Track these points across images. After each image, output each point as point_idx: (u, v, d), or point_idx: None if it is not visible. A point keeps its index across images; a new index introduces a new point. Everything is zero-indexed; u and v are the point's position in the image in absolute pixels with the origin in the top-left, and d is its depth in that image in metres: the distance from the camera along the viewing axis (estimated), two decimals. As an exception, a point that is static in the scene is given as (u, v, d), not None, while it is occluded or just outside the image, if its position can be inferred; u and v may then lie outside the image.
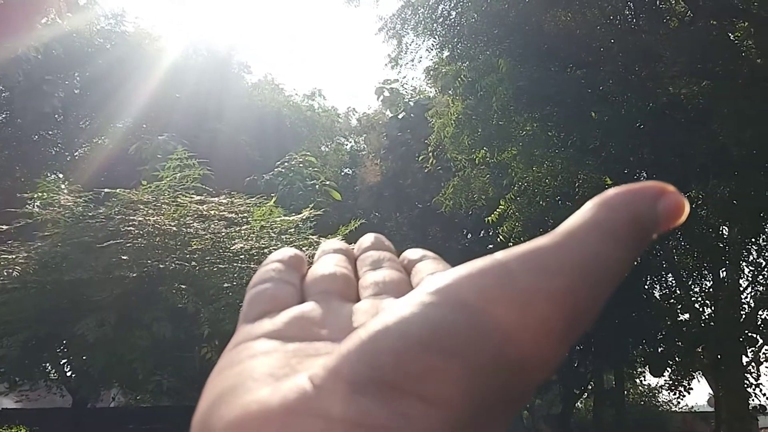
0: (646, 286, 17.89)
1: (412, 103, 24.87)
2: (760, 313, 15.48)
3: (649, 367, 19.22)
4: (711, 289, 16.88)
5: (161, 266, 8.92)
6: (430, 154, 18.00)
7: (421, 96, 24.90)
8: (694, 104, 12.89)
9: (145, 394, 17.47)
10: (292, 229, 10.72)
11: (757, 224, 13.60)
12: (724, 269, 16.17)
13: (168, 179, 10.52)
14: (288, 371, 0.25)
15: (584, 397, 23.58)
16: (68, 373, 12.53)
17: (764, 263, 15.90)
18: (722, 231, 15.51)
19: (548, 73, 12.09)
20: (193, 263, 9.42)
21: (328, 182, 17.46)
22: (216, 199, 10.54)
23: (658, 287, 18.53)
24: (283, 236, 10.39)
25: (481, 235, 21.36)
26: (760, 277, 15.96)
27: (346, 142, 30.30)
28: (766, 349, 15.86)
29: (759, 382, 15.85)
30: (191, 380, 10.63)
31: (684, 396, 19.52)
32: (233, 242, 9.68)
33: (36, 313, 8.70)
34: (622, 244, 0.25)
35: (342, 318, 0.30)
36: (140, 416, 18.90)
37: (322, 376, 0.23)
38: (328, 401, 0.22)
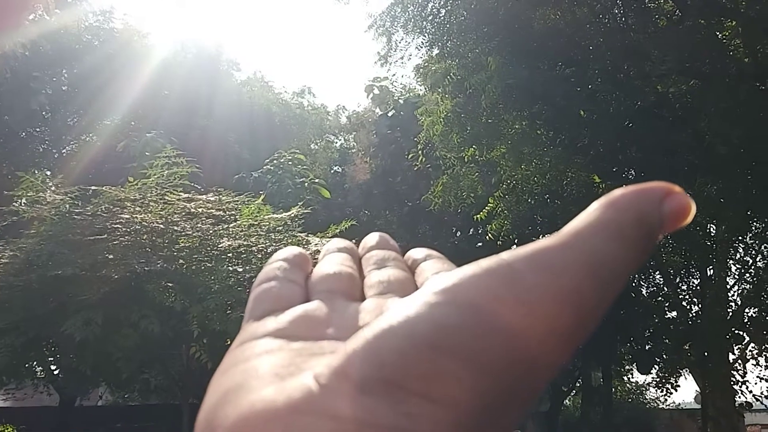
0: (634, 284, 17.97)
1: (401, 101, 24.87)
2: (746, 310, 15.59)
3: (636, 365, 19.37)
4: (698, 287, 16.98)
5: (148, 266, 8.86)
6: (420, 152, 18.01)
7: (411, 94, 24.89)
8: (681, 103, 12.94)
9: (133, 392, 17.43)
10: (281, 227, 10.69)
11: (744, 222, 13.66)
12: (711, 267, 16.26)
13: (155, 177, 10.47)
14: (293, 370, 0.25)
15: (572, 394, 23.70)
16: (55, 372, 12.47)
17: (751, 261, 15.98)
18: (709, 229, 15.59)
19: (537, 72, 12.11)
20: (181, 261, 9.38)
21: (317, 180, 17.45)
22: (204, 196, 10.50)
23: (646, 285, 18.65)
24: (271, 234, 10.36)
25: (471, 233, 21.38)
26: (747, 275, 16.03)
27: (335, 140, 30.28)
28: (752, 347, 15.95)
29: (745, 379, 15.95)
30: (179, 378, 10.61)
31: (671, 393, 19.62)
32: (221, 240, 9.65)
33: (23, 314, 8.63)
34: (629, 245, 0.25)
35: (347, 317, 0.30)
36: (128, 414, 18.85)
37: (328, 375, 0.23)
38: (333, 401, 0.22)
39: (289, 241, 10.01)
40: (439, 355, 0.22)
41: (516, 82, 11.85)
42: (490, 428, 0.22)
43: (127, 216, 9.39)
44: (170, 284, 8.84)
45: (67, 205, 9.73)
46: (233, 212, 10.50)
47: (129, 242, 9.17)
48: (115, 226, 9.21)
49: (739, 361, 15.88)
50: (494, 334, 0.23)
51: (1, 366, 8.86)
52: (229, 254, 9.61)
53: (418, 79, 19.07)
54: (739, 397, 15.95)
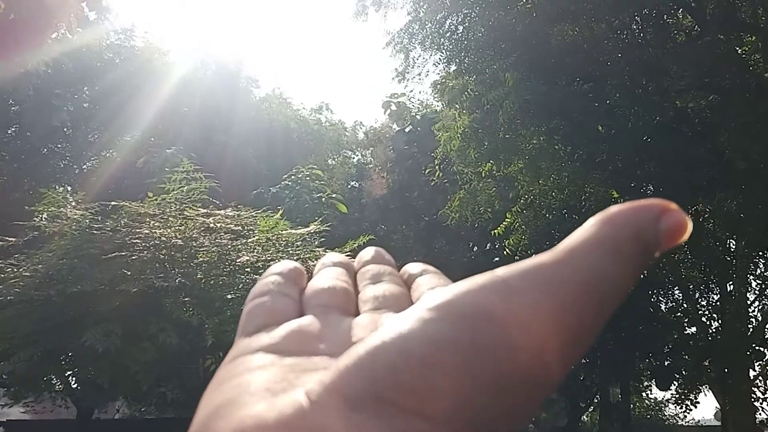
0: (653, 300, 17.85)
1: (418, 117, 24.94)
2: (767, 326, 15.42)
3: (655, 381, 19.15)
4: (718, 303, 16.83)
5: (166, 281, 8.91)
6: (437, 167, 18.03)
7: (428, 110, 24.96)
8: (701, 118, 12.89)
9: (150, 405, 17.48)
10: (299, 242, 10.71)
11: (764, 237, 13.52)
12: (731, 283, 16.11)
13: (175, 192, 10.55)
14: (285, 386, 0.24)
15: (590, 410, 23.47)
16: (74, 385, 12.54)
17: (772, 277, 15.84)
18: (729, 244, 15.47)
19: (555, 87, 12.12)
20: (199, 275, 9.43)
21: (334, 195, 17.49)
22: (222, 211, 10.56)
23: (665, 301, 18.50)
24: (289, 249, 10.39)
25: (488, 248, 21.34)
26: (768, 290, 15.90)
27: (352, 156, 30.37)
28: (773, 363, 15.78)
29: (766, 395, 15.77)
30: (195, 392, 10.63)
31: (691, 410, 19.42)
32: (239, 255, 9.68)
33: (42, 327, 8.70)
34: (625, 262, 0.25)
35: (341, 332, 0.30)
36: (145, 428, 18.88)
37: (319, 391, 0.22)
38: (324, 417, 0.21)
39: (307, 255, 10.04)
40: (433, 372, 0.22)
41: (533, 97, 11.86)
42: None
43: (147, 231, 9.45)
44: (187, 299, 8.89)
45: (88, 221, 9.82)
46: (251, 227, 10.55)
47: (148, 257, 9.24)
48: (135, 241, 9.26)
49: (760, 378, 15.71)
50: (488, 351, 0.22)
51: (20, 376, 8.92)
52: (247, 269, 9.64)
53: (436, 95, 19.15)
54: (760, 414, 15.78)
